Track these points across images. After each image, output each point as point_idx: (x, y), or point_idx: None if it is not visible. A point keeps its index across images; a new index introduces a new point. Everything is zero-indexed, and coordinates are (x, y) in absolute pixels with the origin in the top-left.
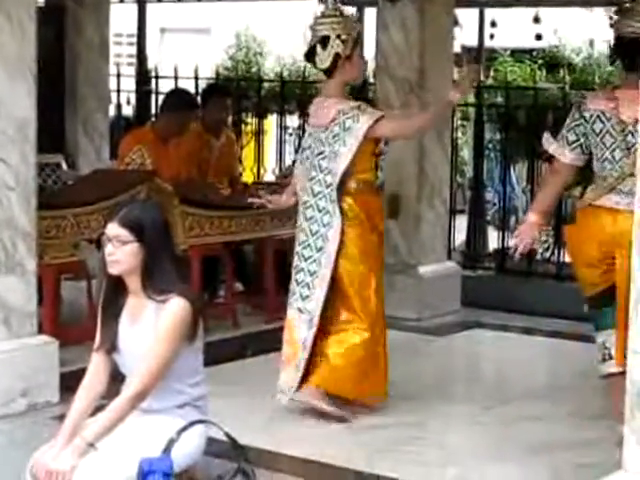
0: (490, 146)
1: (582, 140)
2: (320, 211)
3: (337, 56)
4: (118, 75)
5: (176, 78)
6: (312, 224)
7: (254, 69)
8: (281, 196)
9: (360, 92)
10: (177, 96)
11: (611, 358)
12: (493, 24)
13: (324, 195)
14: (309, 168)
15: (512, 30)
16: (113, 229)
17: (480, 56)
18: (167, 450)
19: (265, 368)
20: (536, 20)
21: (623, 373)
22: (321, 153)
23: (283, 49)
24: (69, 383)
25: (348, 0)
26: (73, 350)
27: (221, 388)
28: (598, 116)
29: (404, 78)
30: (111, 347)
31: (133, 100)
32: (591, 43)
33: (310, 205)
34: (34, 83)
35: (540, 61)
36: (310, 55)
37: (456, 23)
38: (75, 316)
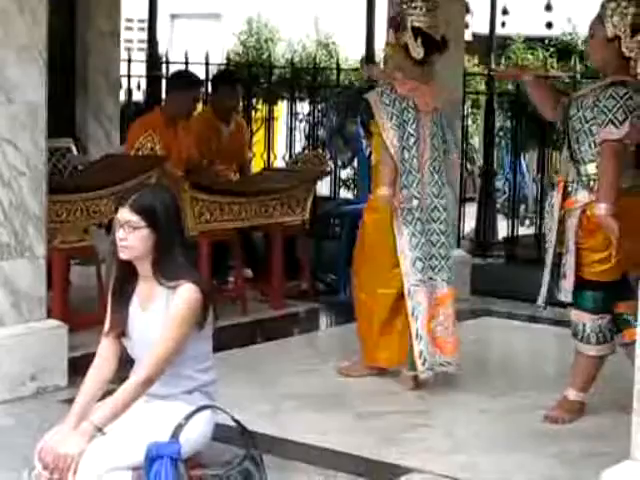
0: (500, 134)
1: None
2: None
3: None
4: (129, 60)
5: (186, 64)
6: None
7: (265, 55)
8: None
9: (367, 78)
10: (182, 76)
11: (606, 341)
12: (505, 12)
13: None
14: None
15: (524, 18)
16: (125, 214)
17: (492, 44)
18: (175, 435)
19: (274, 354)
20: (548, 8)
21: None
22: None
23: (294, 35)
24: (78, 368)
25: None
26: (82, 335)
27: (230, 374)
28: None
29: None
30: (121, 332)
31: (144, 85)
32: None
33: (436, 182)
34: (45, 68)
35: (552, 49)
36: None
37: (467, 10)
38: (84, 301)
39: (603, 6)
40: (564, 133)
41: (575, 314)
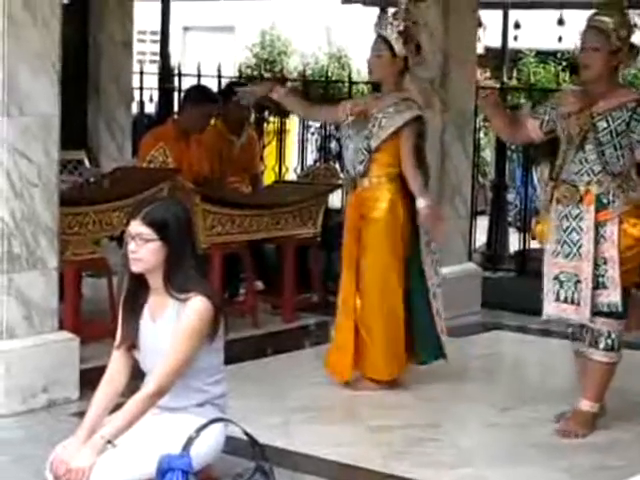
0: (512, 147)
1: None
2: None
3: None
4: (141, 73)
5: (199, 76)
6: None
7: (277, 68)
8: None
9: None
10: (198, 91)
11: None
12: (517, 26)
13: None
14: None
15: (536, 32)
16: (136, 227)
17: (504, 57)
18: (186, 448)
19: (285, 367)
20: (560, 22)
21: None
22: None
23: (307, 48)
24: (89, 380)
25: (371, 1)
26: (93, 347)
27: (240, 387)
28: None
29: (426, 78)
30: (132, 344)
31: (156, 98)
32: None
33: None
34: (58, 80)
35: (564, 63)
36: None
37: (480, 24)
38: (96, 313)
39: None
40: (579, 146)
41: (605, 322)
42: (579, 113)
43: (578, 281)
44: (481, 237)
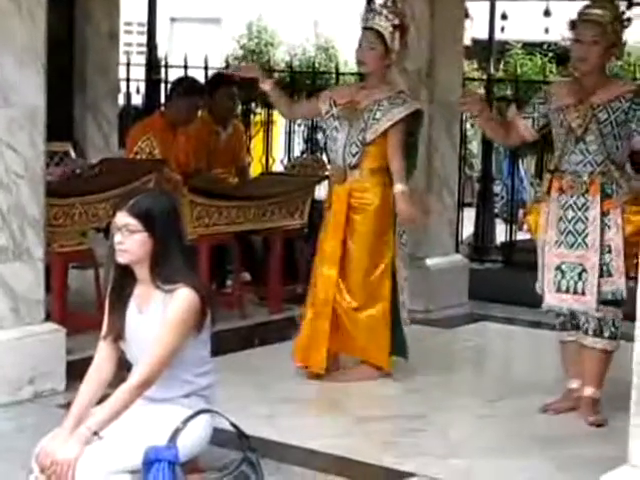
0: None
1: None
2: None
3: None
4: (128, 64)
5: (186, 67)
6: None
7: (264, 59)
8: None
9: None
10: (186, 83)
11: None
12: (504, 17)
13: None
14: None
15: (523, 23)
16: (122, 218)
17: (491, 48)
18: (173, 439)
19: (272, 358)
20: (546, 13)
21: None
22: None
23: (294, 39)
24: (76, 371)
25: None
26: (80, 338)
27: (227, 378)
28: None
29: (413, 70)
30: (118, 335)
31: (143, 89)
32: None
33: None
34: (43, 71)
35: (551, 54)
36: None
37: (466, 15)
38: (82, 304)
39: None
40: (578, 138)
41: (610, 310)
42: (577, 105)
43: (583, 270)
44: (468, 229)
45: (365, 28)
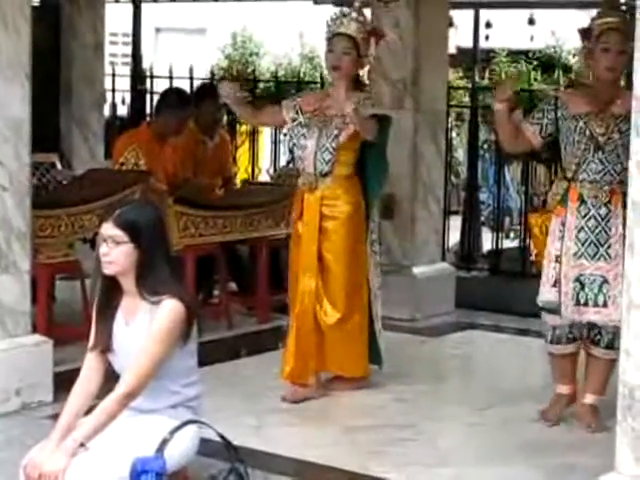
0: (485, 147)
1: None
2: None
3: None
4: (113, 75)
5: (171, 78)
6: None
7: (249, 69)
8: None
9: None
10: (174, 95)
11: None
12: (488, 25)
13: None
14: None
15: (507, 31)
16: (108, 229)
17: (476, 57)
18: (160, 450)
19: (259, 368)
20: (531, 22)
21: None
22: None
23: (279, 49)
24: (63, 383)
25: (342, 1)
26: (67, 350)
27: (215, 388)
28: None
29: (398, 79)
30: (105, 347)
31: (128, 100)
32: None
33: None
34: (28, 83)
35: (535, 62)
36: None
37: (451, 24)
38: (69, 316)
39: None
40: (598, 147)
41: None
42: (599, 114)
43: (604, 282)
44: (454, 237)
45: (337, 34)
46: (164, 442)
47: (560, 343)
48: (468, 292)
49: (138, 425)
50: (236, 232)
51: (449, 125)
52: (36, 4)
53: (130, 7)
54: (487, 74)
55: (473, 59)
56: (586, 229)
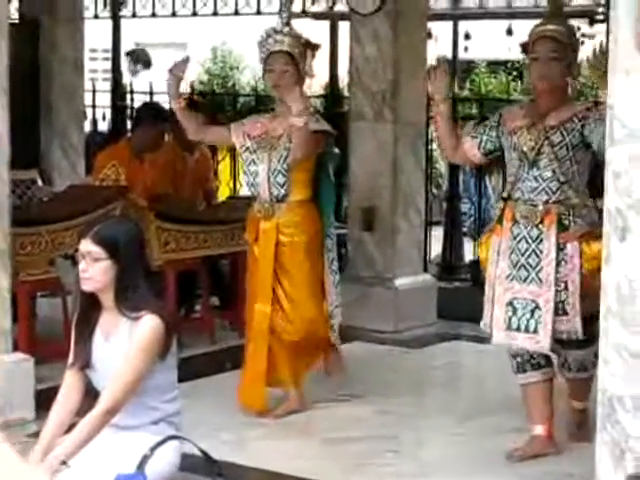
0: None
1: None
2: None
3: None
4: (93, 90)
5: (151, 93)
6: None
7: (230, 83)
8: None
9: (334, 105)
10: (150, 110)
11: None
12: (467, 36)
13: None
14: None
15: (486, 42)
16: (86, 246)
17: (455, 68)
18: (141, 467)
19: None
20: (509, 32)
21: None
22: None
23: (259, 63)
24: (45, 400)
25: (320, 14)
26: (49, 367)
27: (197, 403)
28: None
29: (377, 91)
30: (85, 364)
31: (109, 115)
32: None
33: None
34: (6, 99)
35: (515, 72)
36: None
37: (429, 36)
38: (51, 333)
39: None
40: (532, 163)
41: (568, 352)
42: (530, 127)
43: (536, 307)
44: (436, 248)
45: (273, 52)
46: (145, 459)
47: (525, 371)
48: (450, 303)
49: (119, 442)
50: (217, 247)
51: (429, 137)
52: (15, 20)
53: (110, 22)
54: (467, 85)
55: (452, 70)
56: (517, 251)
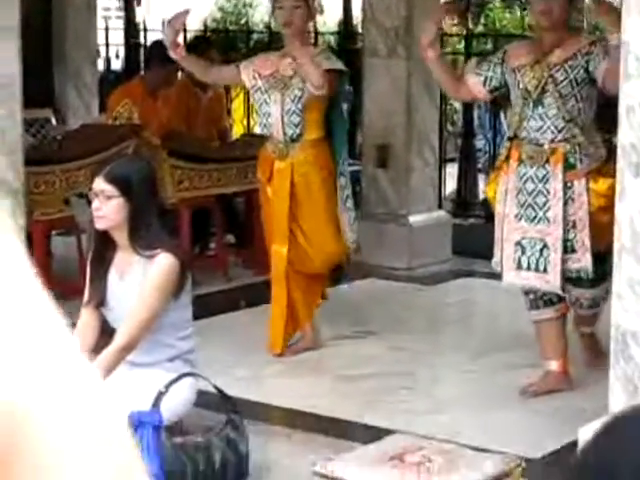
0: None
1: None
2: None
3: None
4: (106, 29)
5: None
6: None
7: (243, 20)
8: None
9: (348, 42)
10: (161, 48)
11: None
12: None
13: None
14: None
15: None
16: (99, 184)
17: (469, 3)
18: (156, 403)
19: (255, 320)
20: None
21: None
22: None
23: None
24: None
25: None
26: (64, 306)
27: (212, 340)
28: None
29: (391, 27)
30: (100, 302)
31: (122, 54)
32: None
33: None
34: (18, 40)
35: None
36: None
37: None
38: (66, 272)
39: None
40: (537, 100)
41: (577, 292)
42: (534, 65)
43: (545, 246)
44: (451, 184)
45: None
46: (160, 395)
47: (538, 308)
48: (465, 239)
49: (134, 379)
50: (231, 185)
51: None
52: None
53: None
54: (481, 20)
55: (467, 5)
56: (524, 191)
